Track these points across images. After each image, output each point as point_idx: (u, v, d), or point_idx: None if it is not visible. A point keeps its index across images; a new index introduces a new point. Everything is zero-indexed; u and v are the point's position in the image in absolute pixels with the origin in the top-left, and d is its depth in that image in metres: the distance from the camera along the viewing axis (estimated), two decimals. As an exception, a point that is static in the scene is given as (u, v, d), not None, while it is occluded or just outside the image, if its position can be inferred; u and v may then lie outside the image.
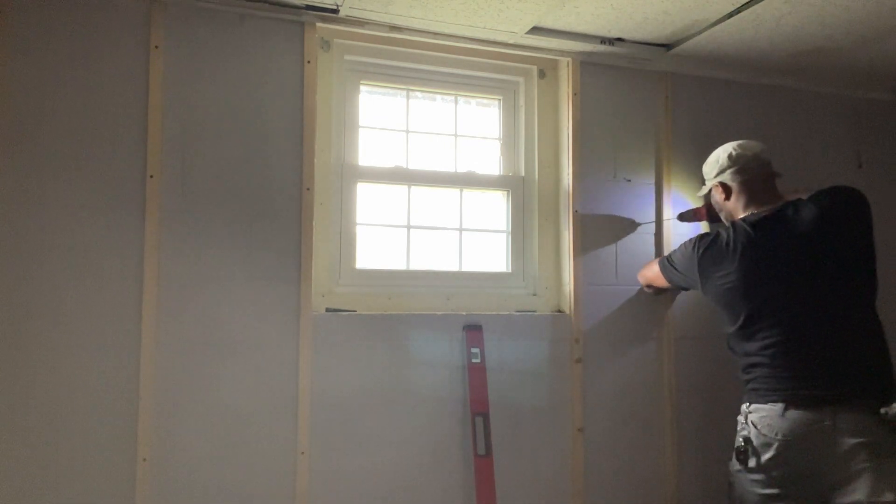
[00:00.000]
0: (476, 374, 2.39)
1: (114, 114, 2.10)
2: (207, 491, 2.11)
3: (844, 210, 2.02)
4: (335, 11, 2.27)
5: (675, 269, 2.30)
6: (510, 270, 2.65)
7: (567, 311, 2.57)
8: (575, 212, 2.58)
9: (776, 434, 1.94)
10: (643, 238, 2.69)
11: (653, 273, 2.47)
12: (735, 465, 2.03)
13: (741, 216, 2.18)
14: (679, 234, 2.70)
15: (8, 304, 1.98)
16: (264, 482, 2.17)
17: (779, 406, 1.94)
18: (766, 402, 1.98)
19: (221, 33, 2.21)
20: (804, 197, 2.12)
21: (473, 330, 2.42)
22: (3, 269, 1.98)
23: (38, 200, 2.02)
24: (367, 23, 2.35)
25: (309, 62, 2.29)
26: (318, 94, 2.32)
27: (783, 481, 1.94)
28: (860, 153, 3.06)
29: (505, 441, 2.42)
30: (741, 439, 2.01)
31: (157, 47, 2.14)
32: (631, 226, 2.67)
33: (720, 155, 2.25)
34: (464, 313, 2.45)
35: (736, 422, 2.09)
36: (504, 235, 2.67)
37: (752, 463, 1.97)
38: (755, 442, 1.97)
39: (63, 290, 2.02)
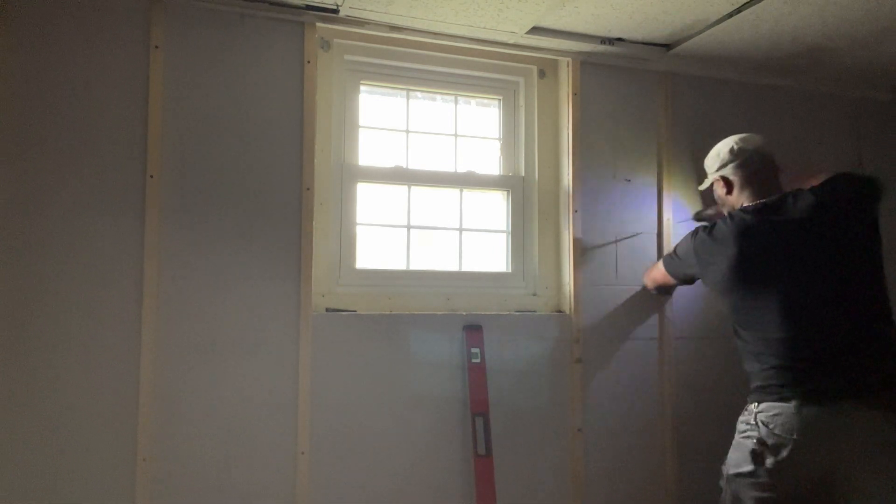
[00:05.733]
0: (476, 374, 2.39)
1: (114, 113, 2.10)
2: (207, 491, 2.11)
3: (843, 197, 1.96)
4: (335, 11, 2.26)
5: (679, 259, 2.29)
6: (510, 270, 2.65)
7: (567, 311, 2.57)
8: (575, 212, 2.58)
9: (792, 434, 1.81)
10: (643, 238, 2.69)
11: (659, 272, 2.44)
12: (732, 468, 1.93)
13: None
14: (678, 234, 2.70)
15: (8, 303, 1.98)
16: (264, 482, 2.17)
17: (793, 404, 1.83)
18: (777, 400, 1.86)
19: (221, 33, 2.21)
20: (808, 185, 2.07)
21: (473, 330, 2.42)
22: (2, 269, 1.98)
23: (38, 200, 2.02)
24: (367, 23, 2.35)
25: (309, 62, 2.29)
26: (318, 94, 2.32)
27: (793, 484, 1.83)
28: (860, 153, 3.06)
29: (505, 441, 2.42)
30: (753, 441, 1.87)
31: (157, 47, 2.14)
32: (631, 226, 2.67)
33: (721, 149, 2.22)
34: (464, 313, 2.45)
35: (736, 421, 2.00)
36: (504, 235, 2.67)
37: (769, 463, 1.84)
38: (769, 443, 1.84)
39: (63, 290, 2.02)
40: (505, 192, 2.68)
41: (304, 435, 2.20)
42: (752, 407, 1.93)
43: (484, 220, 2.68)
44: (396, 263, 2.53)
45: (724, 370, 2.70)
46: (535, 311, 2.58)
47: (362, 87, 2.52)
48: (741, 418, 1.97)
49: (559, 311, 2.61)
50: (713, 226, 2.15)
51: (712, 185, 2.29)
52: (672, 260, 2.34)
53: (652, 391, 2.64)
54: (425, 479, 2.34)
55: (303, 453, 2.20)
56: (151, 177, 2.11)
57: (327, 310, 2.33)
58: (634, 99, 2.71)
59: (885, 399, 1.80)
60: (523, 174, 2.67)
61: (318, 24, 2.31)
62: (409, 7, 2.22)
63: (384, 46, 2.48)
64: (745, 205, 2.13)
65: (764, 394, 1.91)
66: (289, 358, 2.21)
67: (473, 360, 2.39)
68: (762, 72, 2.81)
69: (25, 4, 2.04)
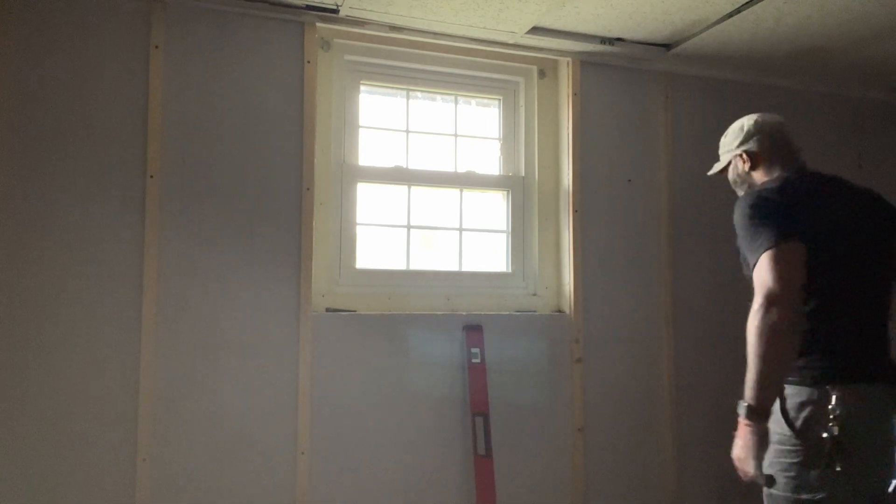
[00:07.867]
0: (476, 374, 2.39)
1: (114, 113, 2.10)
2: (207, 491, 2.11)
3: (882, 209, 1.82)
4: (335, 11, 2.26)
5: (768, 219, 1.66)
6: (510, 270, 2.65)
7: (567, 311, 2.57)
8: (575, 212, 2.58)
9: (861, 423, 1.56)
10: (644, 237, 2.69)
11: (765, 271, 1.57)
12: (809, 480, 1.55)
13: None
14: (676, 235, 2.70)
15: (8, 304, 1.98)
16: (264, 482, 2.17)
17: (864, 386, 1.58)
18: (851, 383, 1.58)
19: (221, 33, 2.21)
20: None
21: (473, 330, 2.42)
22: (2, 270, 1.98)
23: (38, 200, 2.02)
24: (367, 23, 2.35)
25: (309, 62, 2.29)
26: (318, 94, 2.32)
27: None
28: (860, 153, 3.06)
29: (505, 441, 2.42)
30: (827, 433, 1.53)
31: (157, 47, 2.14)
32: (631, 225, 2.67)
33: (745, 123, 2.00)
34: (464, 313, 2.45)
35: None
36: (504, 235, 2.67)
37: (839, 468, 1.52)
38: (845, 439, 1.53)
39: (63, 291, 2.02)
40: (505, 192, 2.68)
41: (304, 435, 2.20)
42: (831, 392, 1.58)
43: (484, 220, 2.68)
44: (396, 263, 2.53)
45: (724, 370, 2.70)
46: (535, 311, 2.58)
47: (362, 87, 2.52)
48: (805, 402, 1.62)
49: (559, 311, 2.61)
50: (761, 189, 1.79)
51: (726, 166, 2.03)
52: (765, 231, 1.62)
53: (652, 391, 2.64)
54: (425, 479, 2.34)
55: (303, 453, 2.20)
56: (151, 177, 2.11)
57: (327, 310, 2.33)
58: (634, 99, 2.71)
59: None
60: (523, 174, 2.67)
61: (318, 24, 2.31)
62: (409, 7, 2.22)
63: (384, 46, 2.48)
64: (772, 178, 1.87)
65: (831, 374, 1.62)
66: (289, 358, 2.21)
67: (473, 360, 2.39)
68: (762, 72, 2.81)
69: (26, 5, 2.04)
